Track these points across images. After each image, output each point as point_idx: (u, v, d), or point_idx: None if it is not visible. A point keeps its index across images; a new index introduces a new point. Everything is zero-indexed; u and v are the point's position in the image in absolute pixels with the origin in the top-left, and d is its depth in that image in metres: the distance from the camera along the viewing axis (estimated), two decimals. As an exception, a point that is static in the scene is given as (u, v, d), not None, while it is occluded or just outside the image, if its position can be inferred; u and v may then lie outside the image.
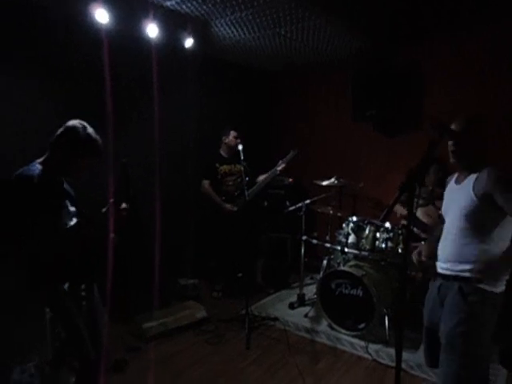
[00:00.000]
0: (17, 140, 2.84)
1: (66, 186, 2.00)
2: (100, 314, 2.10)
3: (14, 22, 2.88)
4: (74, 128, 1.85)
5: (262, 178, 4.04)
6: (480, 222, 1.72)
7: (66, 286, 1.89)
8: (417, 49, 3.99)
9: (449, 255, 1.82)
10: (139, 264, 3.62)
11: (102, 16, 2.84)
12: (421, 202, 3.51)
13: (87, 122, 1.91)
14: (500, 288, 1.72)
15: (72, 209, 1.95)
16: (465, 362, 1.69)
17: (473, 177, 1.77)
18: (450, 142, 1.82)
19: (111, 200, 1.94)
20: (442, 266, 1.86)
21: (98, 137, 1.91)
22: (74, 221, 1.93)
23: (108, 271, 2.02)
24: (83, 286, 1.99)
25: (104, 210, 1.95)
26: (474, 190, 1.72)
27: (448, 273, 1.80)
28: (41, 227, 1.74)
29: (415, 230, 3.39)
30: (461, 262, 1.76)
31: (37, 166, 1.82)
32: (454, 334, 1.71)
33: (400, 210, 3.71)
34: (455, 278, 1.76)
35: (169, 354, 2.94)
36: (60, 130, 1.86)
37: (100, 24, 2.88)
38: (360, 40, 3.95)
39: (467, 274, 1.72)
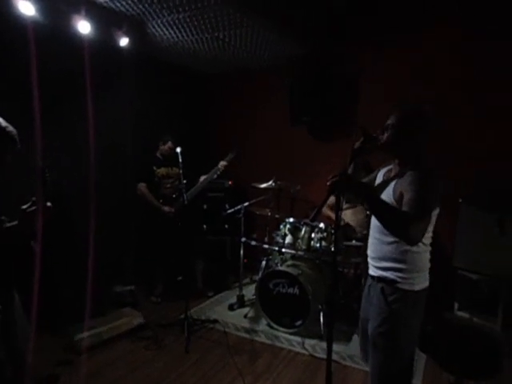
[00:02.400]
0: None
1: None
2: (21, 328, 1.94)
3: None
4: None
5: (203, 178, 4.03)
6: None
7: None
8: (351, 55, 4.21)
9: (373, 253, 1.89)
10: (71, 271, 3.43)
11: (26, 8, 2.65)
12: (346, 206, 3.68)
13: (12, 120, 1.80)
14: (419, 286, 1.78)
15: None
16: (386, 359, 1.79)
17: (401, 174, 1.77)
18: (384, 134, 1.80)
19: (33, 198, 1.82)
20: (370, 264, 1.93)
21: (8, 125, 1.79)
22: None
23: (32, 279, 1.90)
24: None
25: (25, 206, 1.81)
26: (393, 190, 1.75)
27: (374, 273, 1.87)
28: None
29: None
30: (381, 260, 1.82)
31: None
32: (376, 334, 1.80)
33: (329, 212, 3.91)
34: (378, 279, 1.83)
35: (104, 364, 2.82)
36: None
37: (25, 16, 2.69)
38: (296, 47, 4.11)
39: (387, 274, 1.79)
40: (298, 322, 3.30)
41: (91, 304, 3.28)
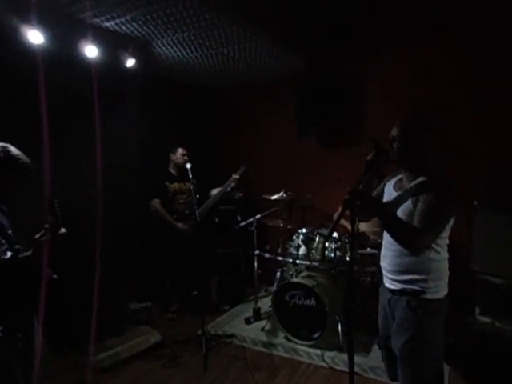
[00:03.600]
0: None
1: None
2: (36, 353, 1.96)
3: None
4: None
5: (215, 191, 4.05)
6: None
7: (0, 329, 1.76)
8: (358, 67, 4.23)
9: (392, 265, 1.86)
10: (85, 291, 3.45)
11: (35, 37, 2.73)
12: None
13: (23, 145, 1.84)
14: (443, 293, 1.79)
15: (4, 242, 1.84)
16: (419, 374, 1.77)
17: (413, 184, 1.79)
18: (393, 146, 1.81)
19: (46, 225, 1.85)
20: (387, 277, 1.90)
21: (21, 154, 1.83)
22: (8, 255, 1.82)
23: (46, 300, 1.92)
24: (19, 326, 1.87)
25: (37, 236, 1.85)
26: (412, 202, 1.74)
27: (394, 287, 1.84)
28: None
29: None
30: (403, 273, 1.80)
31: None
32: (406, 350, 1.77)
33: (343, 220, 3.89)
34: (402, 293, 1.80)
35: (123, 386, 2.82)
36: None
37: (34, 45, 2.76)
38: (302, 59, 4.14)
39: (412, 287, 1.77)
40: (316, 334, 3.26)
41: (108, 323, 3.29)
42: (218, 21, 3.03)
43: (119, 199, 3.94)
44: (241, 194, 4.83)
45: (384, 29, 3.69)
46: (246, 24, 3.16)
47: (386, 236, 1.92)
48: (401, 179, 1.92)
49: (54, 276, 1.94)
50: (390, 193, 1.95)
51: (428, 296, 1.76)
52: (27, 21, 2.69)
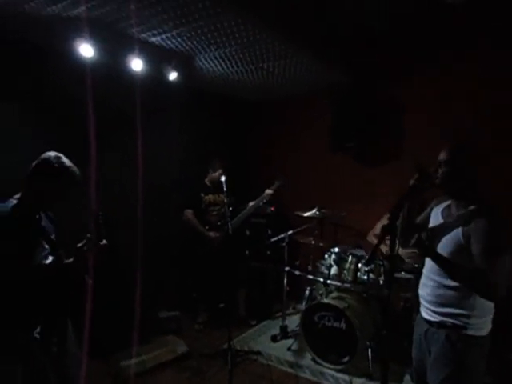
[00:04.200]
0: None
1: (44, 222, 1.95)
2: (74, 360, 2.00)
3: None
4: (47, 159, 1.84)
5: (251, 204, 4.06)
6: (466, 264, 1.67)
7: (37, 332, 1.81)
8: (396, 83, 4.15)
9: (432, 296, 1.79)
10: (118, 298, 3.52)
11: (86, 50, 2.86)
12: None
13: (70, 156, 1.90)
14: (486, 330, 1.71)
15: (47, 247, 1.90)
16: None
17: (463, 213, 1.72)
18: (439, 170, 1.77)
19: (89, 235, 1.91)
20: (426, 308, 1.83)
21: (73, 166, 1.89)
22: (49, 259, 1.88)
23: (84, 310, 1.96)
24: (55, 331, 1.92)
25: (80, 244, 1.90)
26: (462, 231, 1.68)
27: (432, 319, 1.77)
28: (12, 266, 1.69)
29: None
30: (444, 306, 1.73)
31: (11, 203, 1.79)
32: None
33: (376, 241, 3.79)
34: (441, 325, 1.73)
35: (148, 395, 2.84)
36: (34, 163, 1.85)
37: (85, 58, 2.89)
38: (341, 74, 4.11)
39: (453, 321, 1.70)
40: (345, 359, 3.15)
41: (138, 330, 3.33)
42: (260, 37, 3.05)
43: (157, 210, 4.02)
44: (272, 208, 4.81)
45: (424, 49, 3.62)
46: (288, 40, 3.17)
47: (428, 264, 1.86)
48: (449, 206, 1.86)
49: (90, 281, 1.98)
50: (436, 219, 1.89)
51: (469, 332, 1.68)
52: (80, 35, 2.82)
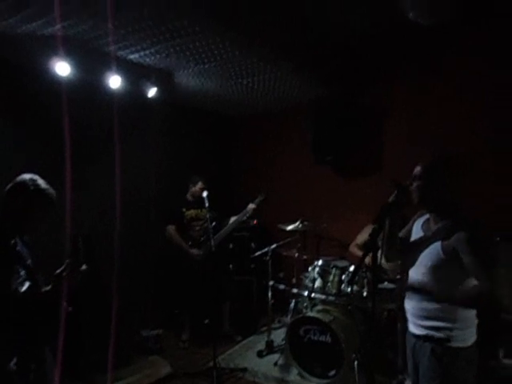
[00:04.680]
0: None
1: (19, 246, 1.89)
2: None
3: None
4: (21, 181, 1.80)
5: (233, 219, 4.04)
6: (447, 277, 1.69)
7: (14, 362, 1.74)
8: (374, 96, 4.25)
9: (416, 309, 1.80)
10: (97, 318, 3.42)
11: (62, 69, 2.82)
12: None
13: (46, 174, 1.87)
14: (471, 340, 1.72)
15: (23, 272, 1.84)
16: None
17: (440, 226, 1.75)
18: (414, 185, 1.77)
19: (67, 261, 1.86)
20: (411, 321, 1.85)
21: (48, 187, 1.85)
22: (25, 286, 1.82)
23: (60, 332, 1.90)
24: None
25: (58, 271, 1.85)
26: (442, 245, 1.70)
27: (418, 332, 1.79)
28: None
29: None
30: (427, 319, 1.74)
31: None
32: None
33: (358, 252, 3.84)
34: (426, 339, 1.74)
35: (132, 420, 2.75)
36: (8, 186, 1.80)
37: (61, 76, 2.85)
38: (320, 89, 4.17)
39: (437, 334, 1.71)
40: (332, 372, 3.14)
41: (118, 350, 3.24)
42: (238, 53, 3.09)
43: (136, 227, 3.96)
44: (255, 222, 4.80)
45: (403, 60, 3.72)
46: (266, 57, 3.22)
47: (412, 277, 1.86)
48: (428, 219, 1.88)
49: (70, 308, 1.93)
50: (417, 232, 1.92)
51: (453, 344, 1.70)
52: (56, 53, 2.78)
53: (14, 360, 1.75)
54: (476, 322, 1.77)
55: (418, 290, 1.76)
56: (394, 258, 1.97)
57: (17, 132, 3.12)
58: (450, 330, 1.70)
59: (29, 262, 1.91)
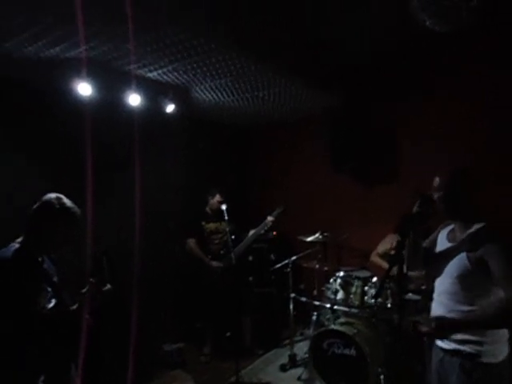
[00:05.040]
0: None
1: (46, 264, 1.94)
2: None
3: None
4: (48, 201, 1.85)
5: (252, 232, 4.04)
6: (475, 287, 1.67)
7: (42, 380, 1.77)
8: (391, 105, 4.20)
9: None
10: (116, 333, 3.44)
11: (84, 89, 2.90)
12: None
13: (69, 193, 1.92)
14: (501, 356, 1.67)
15: (50, 290, 1.88)
16: None
17: (465, 235, 1.74)
18: (436, 195, 1.78)
19: (91, 280, 1.89)
20: None
21: (74, 206, 1.89)
22: (52, 303, 1.86)
23: (83, 346, 1.92)
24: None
25: (84, 290, 1.89)
26: (468, 256, 1.68)
27: (446, 346, 1.74)
28: (15, 311, 1.66)
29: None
30: (457, 333, 1.70)
31: (13, 247, 1.78)
32: None
33: (380, 261, 3.77)
34: (455, 353, 1.70)
35: None
36: (35, 205, 1.85)
37: (83, 96, 2.93)
38: (335, 98, 4.17)
39: (466, 349, 1.67)
40: (357, 387, 3.07)
41: (139, 366, 3.24)
42: (253, 68, 3.12)
43: (156, 241, 4.00)
44: (275, 233, 4.79)
45: (420, 70, 3.69)
46: (281, 71, 3.24)
47: (438, 288, 1.85)
48: (453, 229, 1.87)
49: (91, 321, 1.95)
50: (443, 243, 1.90)
51: (484, 360, 1.65)
52: (78, 74, 2.87)
53: (42, 378, 1.78)
54: (507, 336, 1.72)
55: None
56: (416, 268, 1.95)
57: (40, 152, 3.22)
58: (480, 344, 1.65)
59: (55, 279, 1.96)
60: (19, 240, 1.83)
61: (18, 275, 1.72)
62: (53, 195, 1.88)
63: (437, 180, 1.81)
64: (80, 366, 1.98)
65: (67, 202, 1.89)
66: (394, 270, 1.78)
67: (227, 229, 3.48)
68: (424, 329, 1.79)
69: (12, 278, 1.69)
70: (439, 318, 1.77)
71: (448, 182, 1.77)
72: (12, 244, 1.81)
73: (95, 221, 2.83)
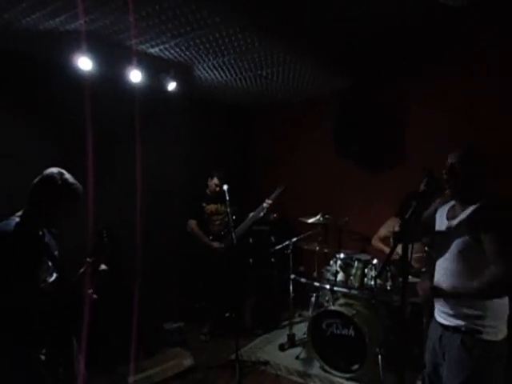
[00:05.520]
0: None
1: (47, 238, 1.93)
2: (80, 379, 1.98)
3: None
4: (49, 175, 1.83)
5: (251, 215, 4.03)
6: (476, 263, 1.66)
7: (43, 353, 1.78)
8: (398, 87, 4.14)
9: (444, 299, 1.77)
10: (121, 310, 3.48)
11: (84, 63, 2.85)
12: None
13: (70, 168, 1.90)
14: (501, 335, 1.68)
15: (50, 263, 1.88)
16: None
17: (466, 213, 1.73)
18: (445, 174, 1.78)
19: (88, 259, 1.89)
20: (440, 311, 1.81)
21: (75, 181, 1.89)
22: (53, 276, 1.86)
23: (85, 322, 1.94)
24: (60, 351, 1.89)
25: (81, 270, 1.89)
26: (469, 230, 1.67)
27: (447, 323, 1.75)
28: (16, 285, 1.67)
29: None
30: (456, 307, 1.72)
31: (14, 221, 1.77)
32: None
33: (381, 245, 3.79)
34: (456, 330, 1.71)
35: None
36: (36, 179, 1.84)
37: (83, 71, 2.88)
38: (341, 80, 4.10)
39: (466, 323, 1.68)
40: (355, 366, 3.10)
41: (142, 343, 3.29)
42: (258, 45, 3.04)
43: (158, 221, 3.99)
44: (275, 215, 4.78)
45: (429, 56, 3.61)
46: (287, 48, 3.17)
47: (440, 265, 1.85)
48: (453, 207, 1.86)
49: (95, 296, 1.96)
50: (442, 221, 1.89)
51: (485, 337, 1.66)
52: (78, 48, 2.81)
53: (44, 350, 1.79)
54: (507, 313, 1.73)
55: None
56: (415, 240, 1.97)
57: (40, 126, 3.18)
58: (482, 318, 1.66)
59: (56, 253, 1.95)
60: (19, 213, 1.82)
61: (19, 248, 1.71)
62: (55, 169, 1.86)
63: (452, 156, 1.78)
64: (83, 341, 2.00)
65: (69, 176, 1.87)
66: (395, 252, 1.78)
67: (228, 210, 3.47)
68: (421, 290, 1.82)
69: (12, 251, 1.69)
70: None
71: (461, 162, 1.75)
72: (12, 217, 1.80)
73: (96, 197, 2.83)
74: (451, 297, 1.73)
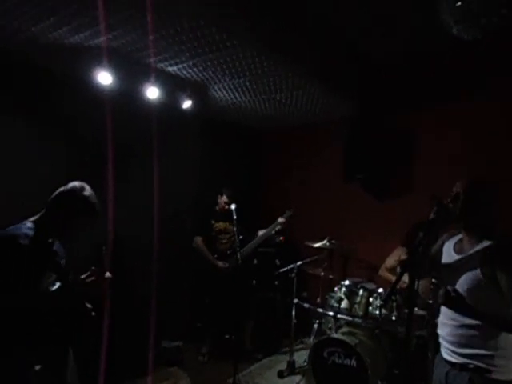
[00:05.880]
0: (16, 200, 2.80)
1: (56, 246, 1.94)
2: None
3: (18, 83, 3.02)
4: (72, 188, 1.85)
5: (261, 232, 4.01)
6: (486, 301, 1.60)
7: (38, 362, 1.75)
8: (407, 116, 4.16)
9: (451, 336, 1.71)
10: (121, 327, 3.43)
11: (104, 78, 2.93)
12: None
13: (86, 180, 1.92)
14: (511, 375, 1.60)
15: (55, 272, 1.88)
16: None
17: (478, 248, 1.67)
18: (450, 203, 1.71)
19: (93, 268, 1.89)
20: (446, 348, 1.74)
21: (94, 198, 1.89)
22: (56, 285, 1.85)
23: (86, 339, 1.92)
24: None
25: (83, 276, 1.89)
26: (481, 266, 1.61)
27: (454, 360, 1.68)
28: (17, 289, 1.66)
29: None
30: (465, 346, 1.65)
31: (26, 225, 1.78)
32: None
33: (388, 274, 3.72)
34: (463, 368, 1.64)
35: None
36: (58, 190, 1.86)
37: (103, 85, 2.96)
38: (354, 106, 4.15)
39: (475, 362, 1.61)
40: (356, 399, 2.99)
41: (139, 361, 3.23)
42: (274, 69, 3.11)
43: (169, 235, 3.97)
44: (282, 238, 4.74)
45: (437, 83, 3.65)
46: (302, 73, 3.23)
47: None
48: (461, 240, 1.81)
49: (93, 313, 1.94)
50: (449, 254, 1.83)
51: (494, 376, 1.58)
52: (99, 64, 2.90)
53: (39, 367, 1.76)
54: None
55: (455, 301, 1.63)
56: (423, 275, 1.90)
57: (60, 140, 3.26)
58: (491, 357, 1.60)
59: (63, 261, 1.96)
60: (33, 219, 1.83)
61: (27, 253, 1.71)
62: (77, 183, 1.88)
63: (460, 185, 1.74)
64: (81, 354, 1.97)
65: (90, 192, 1.88)
66: (402, 281, 1.74)
67: (234, 229, 3.46)
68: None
69: (19, 256, 1.69)
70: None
71: (470, 191, 1.72)
72: (24, 222, 1.81)
73: (113, 211, 2.85)
74: (472, 314, 1.61)
